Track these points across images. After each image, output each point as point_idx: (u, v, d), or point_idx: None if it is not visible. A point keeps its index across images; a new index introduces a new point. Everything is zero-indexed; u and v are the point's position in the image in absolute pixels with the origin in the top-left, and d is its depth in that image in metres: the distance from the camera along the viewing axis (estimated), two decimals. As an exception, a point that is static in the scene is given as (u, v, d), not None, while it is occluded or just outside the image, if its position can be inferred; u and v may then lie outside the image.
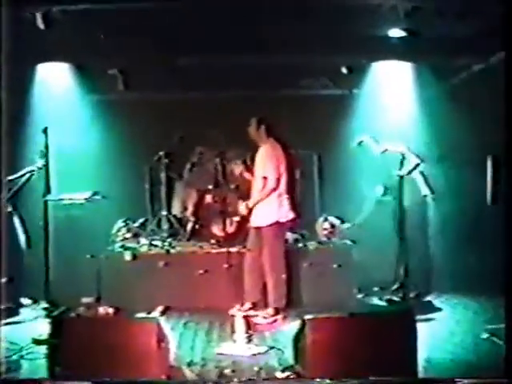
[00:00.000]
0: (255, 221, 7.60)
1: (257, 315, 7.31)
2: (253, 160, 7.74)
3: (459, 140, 8.10)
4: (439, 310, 7.59)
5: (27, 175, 7.35)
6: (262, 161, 7.52)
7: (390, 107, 8.98)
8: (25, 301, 7.92)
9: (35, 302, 7.85)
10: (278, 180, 7.42)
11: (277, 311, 7.39)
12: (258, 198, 7.46)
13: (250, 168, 7.85)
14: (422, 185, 7.87)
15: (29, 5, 6.80)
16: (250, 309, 7.44)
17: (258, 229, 7.58)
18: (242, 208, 7.58)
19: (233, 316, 7.21)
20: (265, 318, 7.28)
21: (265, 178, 7.38)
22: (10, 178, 7.30)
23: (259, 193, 7.45)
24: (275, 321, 7.18)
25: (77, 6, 6.87)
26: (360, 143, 8.14)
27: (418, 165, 7.73)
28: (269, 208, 7.44)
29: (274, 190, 7.41)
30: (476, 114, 7.94)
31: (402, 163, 7.84)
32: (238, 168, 7.94)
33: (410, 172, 7.79)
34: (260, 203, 7.47)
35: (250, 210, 7.52)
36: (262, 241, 7.51)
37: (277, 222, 7.46)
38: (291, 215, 7.50)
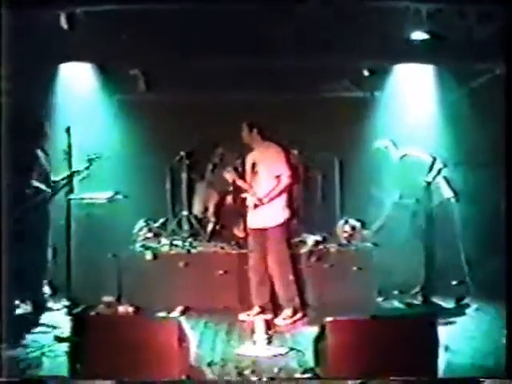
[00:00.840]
0: (258, 222, 7.54)
1: (275, 318, 7.31)
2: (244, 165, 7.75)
3: (479, 143, 8.06)
4: (459, 314, 7.54)
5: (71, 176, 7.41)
6: (269, 162, 7.47)
7: (411, 110, 8.95)
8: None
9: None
10: (292, 177, 7.42)
11: (295, 311, 7.38)
12: (272, 195, 7.38)
13: (241, 174, 7.84)
14: (445, 188, 7.84)
15: (53, 6, 6.84)
16: (259, 313, 7.40)
17: (261, 230, 7.52)
18: (251, 198, 7.52)
19: (243, 321, 7.27)
20: (284, 319, 7.28)
21: (277, 176, 7.37)
22: (54, 179, 7.36)
23: (273, 189, 7.39)
24: (295, 321, 7.18)
25: (100, 7, 6.91)
26: (380, 148, 8.10)
27: (441, 170, 7.69)
28: (274, 209, 7.41)
29: (289, 186, 7.41)
30: (496, 117, 7.90)
31: (426, 169, 7.79)
32: (230, 175, 7.82)
33: (434, 178, 7.77)
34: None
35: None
36: (267, 242, 7.47)
37: (282, 223, 7.44)
38: (289, 215, 7.50)
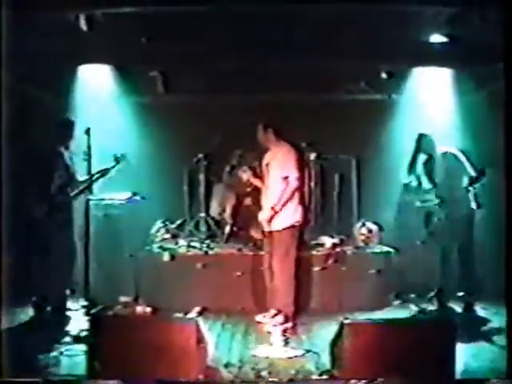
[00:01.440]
0: (268, 225, 7.41)
1: (267, 322, 7.28)
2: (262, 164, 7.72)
3: (498, 147, 8.01)
4: (480, 318, 7.48)
5: (97, 175, 7.44)
6: (279, 162, 7.35)
7: (428, 113, 8.94)
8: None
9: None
10: (300, 179, 7.39)
11: (286, 319, 7.33)
12: (283, 200, 7.25)
13: (257, 174, 7.82)
14: (473, 199, 7.75)
15: (72, 7, 6.89)
16: (276, 315, 7.35)
17: (271, 233, 7.44)
18: (264, 214, 7.37)
19: (260, 323, 7.27)
20: (275, 326, 7.20)
21: (286, 178, 7.26)
22: (81, 179, 7.41)
23: (282, 194, 7.26)
24: (285, 330, 7.09)
25: (119, 9, 6.95)
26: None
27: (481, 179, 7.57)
28: (284, 212, 7.30)
29: (298, 189, 7.38)
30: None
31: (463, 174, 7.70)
32: (245, 174, 7.80)
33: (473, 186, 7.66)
34: (268, 206, 7.33)
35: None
36: (274, 244, 7.39)
37: (292, 226, 7.33)
38: (300, 218, 7.39)
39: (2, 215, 5.51)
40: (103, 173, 7.43)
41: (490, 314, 7.50)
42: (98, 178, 7.41)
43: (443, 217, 7.18)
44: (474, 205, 7.54)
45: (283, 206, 7.26)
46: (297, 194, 7.33)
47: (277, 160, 7.38)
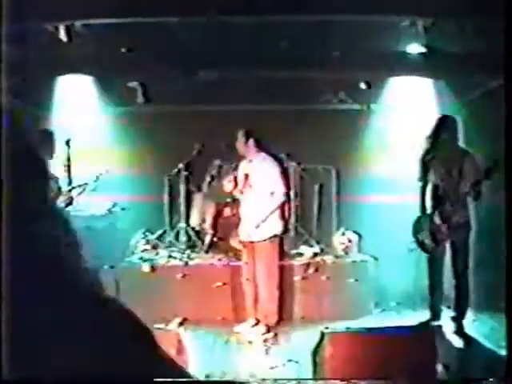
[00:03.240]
0: (249, 236, 7.45)
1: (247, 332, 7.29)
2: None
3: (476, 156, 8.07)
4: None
5: (78, 189, 7.42)
6: (264, 176, 7.36)
7: (407, 123, 8.99)
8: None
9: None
10: (286, 194, 7.43)
11: (268, 329, 7.34)
12: (268, 215, 7.29)
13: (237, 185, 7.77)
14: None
15: (52, 18, 6.89)
16: (255, 325, 7.38)
17: (252, 243, 7.46)
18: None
19: (238, 333, 7.26)
20: (259, 335, 7.19)
21: (272, 193, 7.31)
22: (67, 188, 7.41)
23: (267, 208, 7.30)
24: (266, 340, 7.08)
25: (99, 20, 6.96)
26: None
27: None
28: (268, 223, 7.33)
29: (284, 203, 7.42)
30: (493, 130, 7.90)
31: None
32: (230, 185, 7.71)
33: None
34: (254, 217, 7.33)
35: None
36: (256, 254, 7.42)
37: (274, 236, 7.38)
38: (282, 228, 7.46)
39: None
40: (84, 187, 7.42)
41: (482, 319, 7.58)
42: (79, 193, 7.40)
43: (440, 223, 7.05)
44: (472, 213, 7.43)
45: (267, 217, 7.31)
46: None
47: (261, 175, 7.38)
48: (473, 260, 7.39)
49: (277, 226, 7.37)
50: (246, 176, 7.46)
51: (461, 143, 7.30)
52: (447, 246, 7.10)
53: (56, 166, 7.37)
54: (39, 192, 1.18)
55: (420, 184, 7.15)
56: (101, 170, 7.39)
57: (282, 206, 7.44)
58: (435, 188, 7.06)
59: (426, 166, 7.14)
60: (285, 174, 7.63)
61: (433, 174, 7.09)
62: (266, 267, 7.33)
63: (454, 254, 7.11)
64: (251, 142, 7.45)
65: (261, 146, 7.49)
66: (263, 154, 7.46)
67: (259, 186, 7.37)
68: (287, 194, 7.47)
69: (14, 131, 1.10)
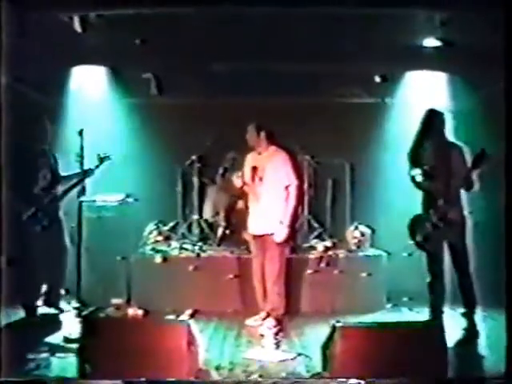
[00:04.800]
0: (259, 229, 7.44)
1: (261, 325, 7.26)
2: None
3: (491, 152, 8.00)
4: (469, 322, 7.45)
5: (80, 176, 7.45)
6: (275, 170, 7.33)
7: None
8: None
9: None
10: (301, 186, 7.40)
11: (278, 322, 7.30)
12: (291, 211, 7.26)
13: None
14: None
15: (67, 8, 6.89)
16: (266, 317, 7.35)
17: (262, 236, 7.43)
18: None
19: (250, 326, 7.25)
20: (269, 328, 7.16)
21: (286, 187, 7.29)
22: (64, 174, 7.45)
23: (287, 204, 7.26)
24: (277, 333, 7.06)
25: (113, 11, 6.95)
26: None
27: None
28: (275, 216, 7.27)
29: (299, 197, 7.39)
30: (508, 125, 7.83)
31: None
32: (238, 180, 7.65)
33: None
34: (265, 210, 7.31)
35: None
36: (266, 249, 7.39)
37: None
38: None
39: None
40: (87, 174, 7.45)
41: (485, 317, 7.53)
42: (81, 180, 7.43)
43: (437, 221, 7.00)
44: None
45: (293, 216, 7.30)
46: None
47: (272, 166, 7.34)
48: (472, 257, 7.36)
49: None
50: (255, 169, 7.41)
51: (448, 136, 7.18)
52: (445, 244, 7.04)
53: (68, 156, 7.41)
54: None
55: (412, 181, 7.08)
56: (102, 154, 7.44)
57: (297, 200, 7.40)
58: (427, 186, 7.00)
59: (414, 162, 7.05)
60: (298, 167, 7.59)
61: (422, 170, 7.00)
62: (274, 260, 7.33)
63: (453, 252, 7.05)
64: (263, 134, 7.40)
65: (272, 139, 7.44)
66: (275, 148, 7.43)
67: (272, 180, 7.34)
68: (301, 187, 7.44)
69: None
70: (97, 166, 7.46)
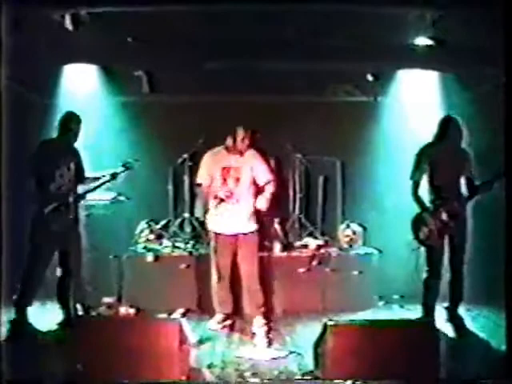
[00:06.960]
0: (231, 228, 7.30)
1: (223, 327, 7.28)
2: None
3: (483, 150, 8.02)
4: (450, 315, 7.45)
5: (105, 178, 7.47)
6: (254, 168, 7.29)
7: (414, 115, 8.94)
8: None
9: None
10: (275, 183, 7.39)
11: (268, 320, 7.31)
12: (267, 205, 7.25)
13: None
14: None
15: (58, 6, 6.87)
16: (225, 319, 7.38)
17: (233, 236, 7.30)
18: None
19: (242, 324, 7.25)
20: (259, 327, 7.13)
21: (267, 182, 7.29)
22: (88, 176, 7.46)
23: (265, 198, 7.22)
24: (269, 331, 7.03)
25: (105, 9, 6.94)
26: None
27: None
28: (247, 215, 7.26)
29: (275, 192, 7.37)
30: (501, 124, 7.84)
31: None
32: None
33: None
34: (242, 210, 7.23)
35: None
36: (238, 249, 7.31)
37: (254, 231, 7.32)
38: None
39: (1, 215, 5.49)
40: (112, 177, 7.46)
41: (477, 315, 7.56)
42: (105, 182, 7.46)
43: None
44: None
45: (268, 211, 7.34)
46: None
47: (251, 168, 7.28)
48: (472, 255, 7.39)
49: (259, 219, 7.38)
50: (226, 169, 7.24)
51: (464, 145, 7.32)
52: (446, 242, 7.09)
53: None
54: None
55: (412, 181, 7.11)
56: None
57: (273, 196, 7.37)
58: (437, 186, 7.07)
59: (423, 163, 7.12)
60: (270, 164, 7.66)
61: (435, 172, 7.08)
62: (251, 259, 7.32)
63: (453, 250, 7.12)
64: (247, 137, 7.29)
65: (252, 141, 7.39)
66: (253, 150, 7.37)
67: (249, 179, 7.29)
68: (277, 184, 7.40)
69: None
70: (122, 171, 7.47)
